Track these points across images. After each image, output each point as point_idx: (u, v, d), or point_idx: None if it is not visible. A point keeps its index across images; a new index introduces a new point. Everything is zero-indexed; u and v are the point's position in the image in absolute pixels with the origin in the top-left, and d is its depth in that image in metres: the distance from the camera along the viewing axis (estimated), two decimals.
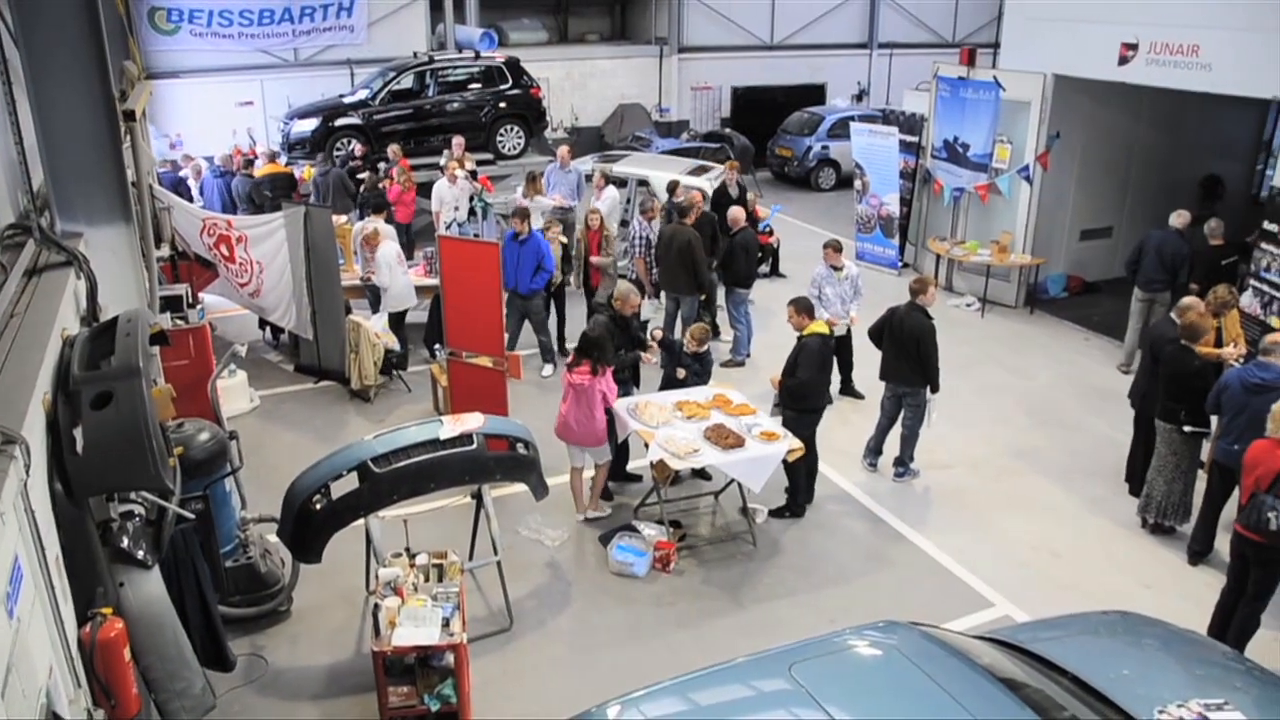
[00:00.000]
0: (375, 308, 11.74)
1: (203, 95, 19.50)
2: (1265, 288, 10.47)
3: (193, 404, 7.61)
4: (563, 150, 15.50)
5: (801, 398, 8.64)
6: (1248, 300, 10.59)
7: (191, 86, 19.56)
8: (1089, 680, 5.07)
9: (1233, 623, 7.04)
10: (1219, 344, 9.21)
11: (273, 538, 7.36)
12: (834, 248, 10.95)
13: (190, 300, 9.61)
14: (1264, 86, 11.16)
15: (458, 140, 15.97)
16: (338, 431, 10.25)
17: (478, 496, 7.49)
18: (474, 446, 6.96)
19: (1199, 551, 8.31)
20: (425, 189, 15.19)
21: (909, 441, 9.50)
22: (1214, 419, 8.40)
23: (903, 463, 9.60)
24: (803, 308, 8.84)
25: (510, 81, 18.07)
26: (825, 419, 8.95)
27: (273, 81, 20.14)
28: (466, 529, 7.81)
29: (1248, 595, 6.97)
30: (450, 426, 7.00)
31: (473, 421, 7.09)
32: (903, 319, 9.13)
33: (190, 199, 14.28)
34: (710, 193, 14.10)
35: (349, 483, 6.71)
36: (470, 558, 7.70)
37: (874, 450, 9.79)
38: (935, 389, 9.17)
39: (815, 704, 4.58)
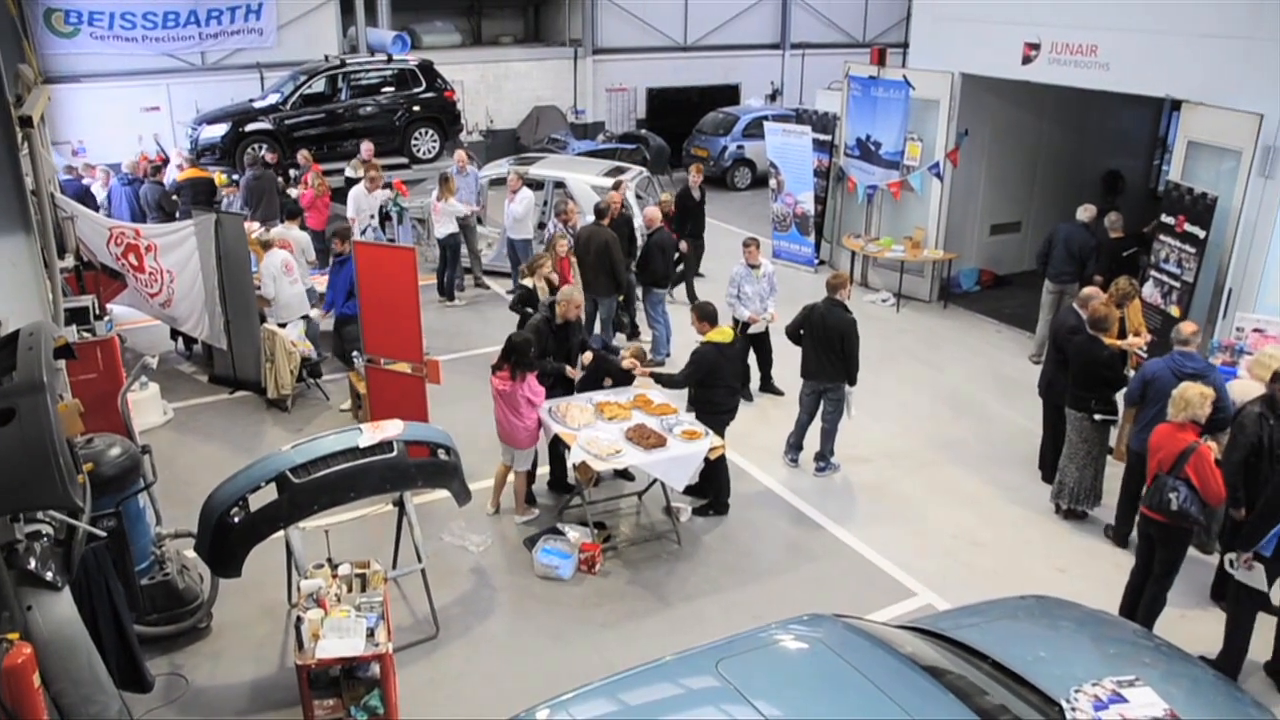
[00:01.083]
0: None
1: (106, 101, 19.00)
2: (1164, 278, 10.82)
3: (103, 419, 7.40)
4: (460, 154, 15.44)
5: (704, 407, 8.68)
6: (1149, 290, 10.93)
7: (94, 91, 19.03)
8: (1008, 664, 5.20)
9: (1141, 601, 7.28)
10: (1122, 335, 9.50)
11: (190, 553, 7.20)
12: (753, 246, 11.05)
13: (97, 312, 9.35)
14: (1157, 85, 11.58)
15: (366, 146, 15.78)
16: (255, 442, 10.06)
17: (400, 504, 7.40)
18: (394, 453, 6.88)
19: (1126, 533, 8.57)
20: (339, 194, 14.97)
21: (829, 436, 9.63)
22: (1121, 407, 8.70)
23: (824, 457, 9.72)
24: (704, 314, 8.84)
25: (424, 84, 17.92)
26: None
27: (179, 86, 19.71)
28: (389, 537, 7.71)
29: (1154, 574, 7.21)
30: (370, 434, 6.91)
31: (392, 428, 7.01)
32: (824, 315, 9.24)
33: (96, 208, 13.87)
34: (629, 196, 14.13)
35: (268, 494, 6.58)
36: (394, 566, 7.61)
37: (795, 446, 9.90)
38: (853, 383, 9.32)
39: (743, 699, 4.62)
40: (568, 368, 9.03)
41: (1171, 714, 4.83)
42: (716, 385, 8.73)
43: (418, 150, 17.96)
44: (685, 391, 8.92)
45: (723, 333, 8.77)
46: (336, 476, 6.67)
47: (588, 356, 9.23)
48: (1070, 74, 12.43)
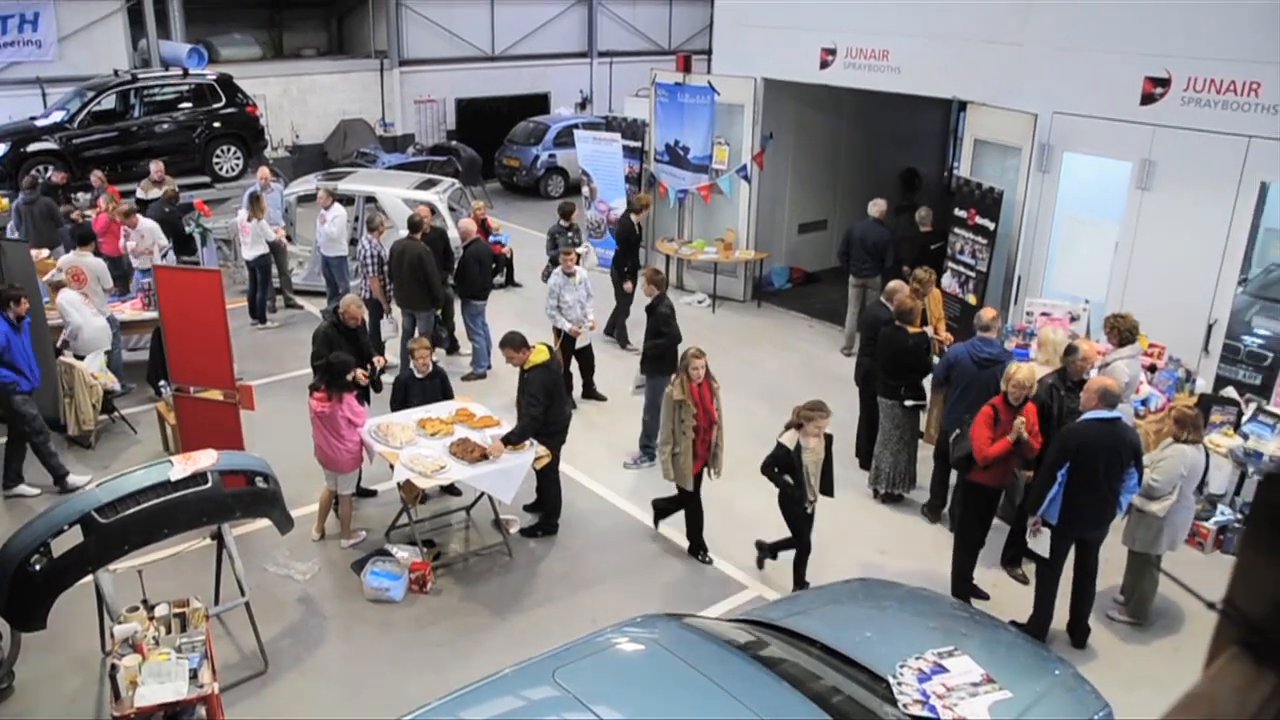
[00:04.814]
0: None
1: None
2: (961, 268, 11.44)
3: None
4: (263, 170, 14.97)
5: (542, 430, 8.45)
6: (948, 281, 11.54)
7: None
8: (837, 647, 5.41)
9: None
10: (924, 323, 10.00)
11: None
12: (570, 254, 11.10)
13: None
14: (944, 87, 12.25)
15: (156, 165, 15.05)
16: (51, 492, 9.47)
17: (218, 537, 7.11)
18: (209, 485, 6.60)
19: (939, 507, 9.04)
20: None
21: (651, 429, 9.88)
22: (929, 393, 9.18)
23: (645, 448, 10.00)
24: (517, 344, 8.42)
25: (224, 100, 17.25)
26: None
27: None
28: (209, 572, 7.39)
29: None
30: (181, 466, 6.60)
31: (206, 459, 6.72)
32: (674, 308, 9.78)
33: None
34: (441, 207, 13.97)
35: (72, 537, 6.20)
36: (216, 602, 7.30)
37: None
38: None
39: (582, 706, 4.64)
40: (359, 371, 8.70)
41: (987, 677, 5.13)
42: (553, 405, 8.62)
43: (220, 168, 17.26)
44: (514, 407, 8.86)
45: (540, 352, 8.49)
46: (148, 513, 6.34)
47: (380, 360, 9.24)
48: (865, 77, 13.00)
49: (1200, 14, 9.36)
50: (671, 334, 9.70)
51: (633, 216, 13.20)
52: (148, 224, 12.72)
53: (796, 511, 7.72)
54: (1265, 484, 1.18)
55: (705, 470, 8.36)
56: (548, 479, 8.68)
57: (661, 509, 8.85)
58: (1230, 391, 9.47)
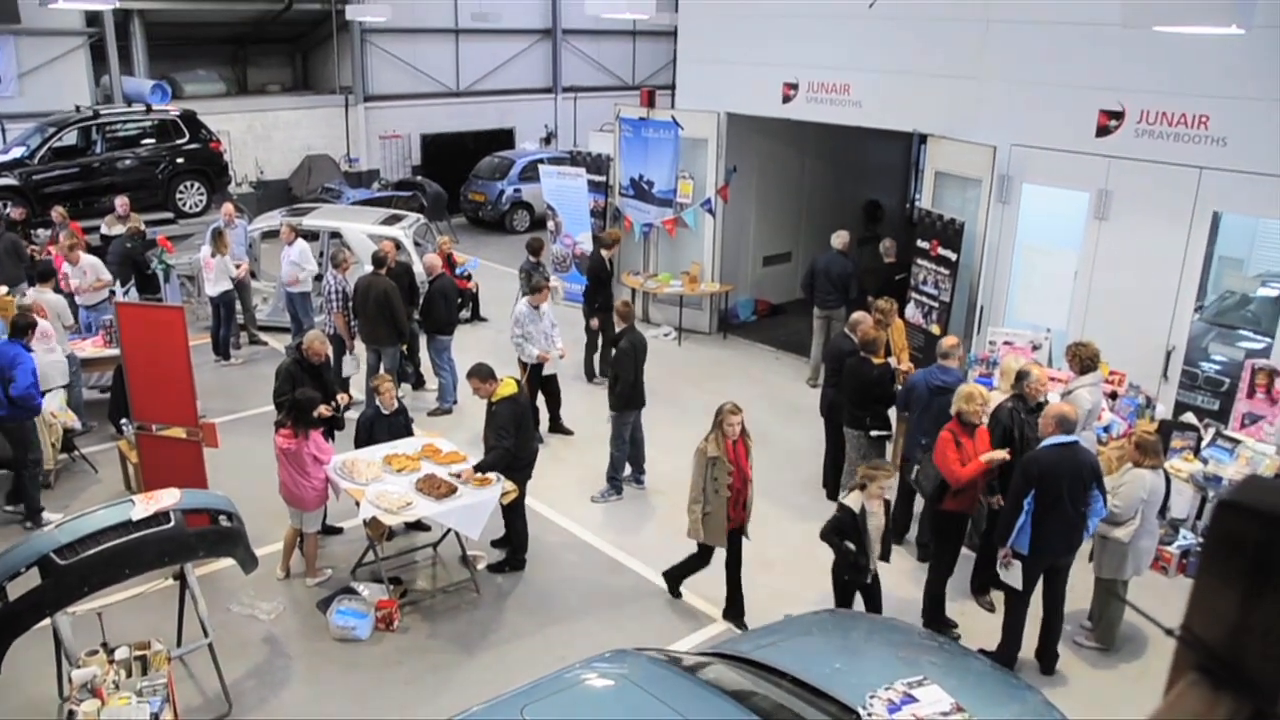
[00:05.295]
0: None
1: None
2: (924, 299, 11.55)
3: None
4: (227, 207, 14.88)
5: (510, 464, 8.39)
6: (911, 311, 11.64)
7: None
8: (807, 679, 5.39)
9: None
10: (888, 353, 10.07)
11: None
12: (544, 288, 11.16)
13: None
14: (905, 120, 12.42)
15: (120, 200, 14.95)
16: (14, 525, 9.30)
17: (181, 577, 7.01)
18: (171, 524, 6.50)
19: (902, 532, 9.08)
20: (99, 253, 14.08)
21: (617, 461, 9.98)
22: (894, 423, 9.24)
23: (613, 481, 10.03)
24: (485, 375, 8.41)
25: (187, 135, 17.23)
26: (539, 459, 9.02)
27: None
28: (171, 613, 7.27)
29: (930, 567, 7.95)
30: (143, 505, 6.51)
31: (168, 498, 6.63)
32: (644, 341, 9.79)
33: None
34: (406, 242, 13.96)
35: (30, 579, 6.09)
36: (178, 644, 7.18)
37: (637, 471, 10.25)
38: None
39: None
40: (322, 407, 8.56)
41: (957, 706, 5.13)
42: (520, 437, 8.57)
43: (184, 204, 17.21)
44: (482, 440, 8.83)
45: (509, 385, 8.50)
46: (109, 554, 6.23)
47: (344, 397, 9.16)
48: (827, 111, 13.16)
49: (1150, 48, 9.55)
50: (623, 377, 9.66)
51: (603, 252, 13.18)
52: (90, 260, 12.58)
53: (857, 580, 7.19)
54: (1219, 511, 1.20)
55: (741, 532, 7.86)
56: (515, 513, 8.63)
57: (675, 576, 8.35)
58: (1189, 417, 9.60)
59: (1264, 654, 1.15)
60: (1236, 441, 9.03)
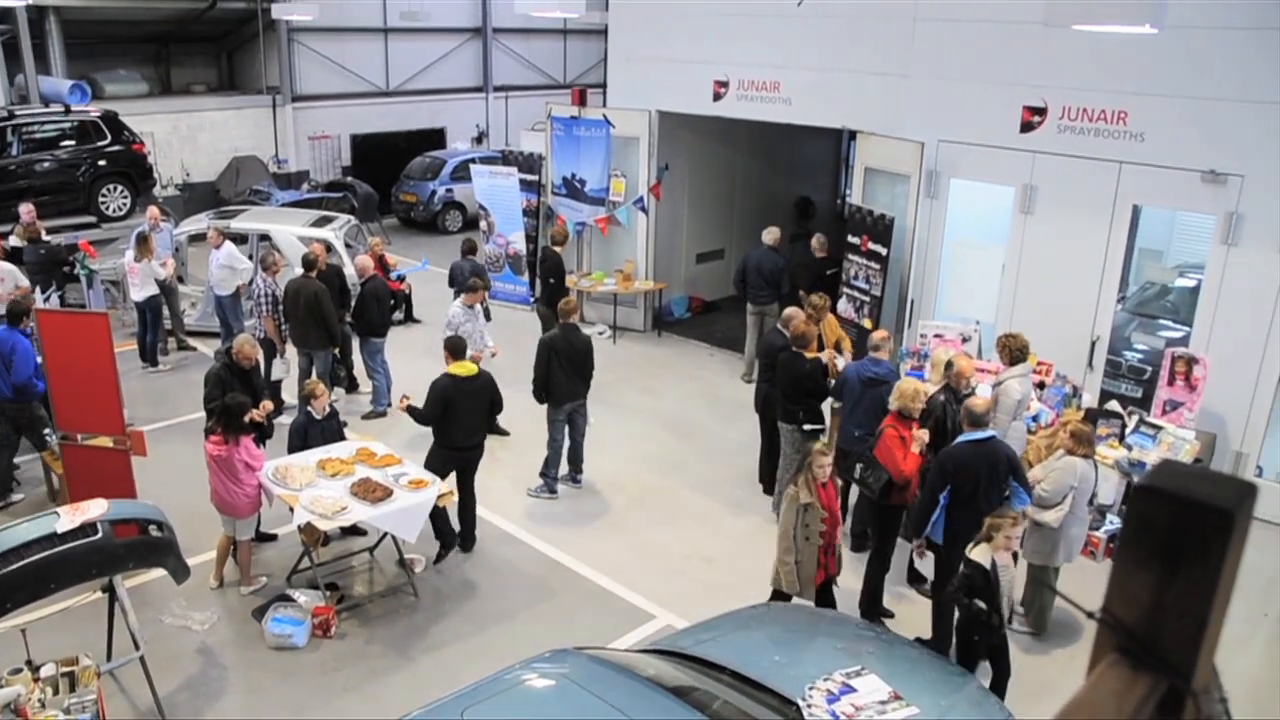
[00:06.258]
0: None
1: None
2: (856, 293, 11.69)
3: None
4: (152, 210, 14.55)
5: (438, 436, 8.74)
6: (844, 306, 11.78)
7: None
8: (747, 673, 5.43)
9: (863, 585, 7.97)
10: (821, 347, 10.18)
11: None
12: (481, 289, 11.15)
13: None
14: (834, 117, 12.59)
15: (26, 207, 14.47)
16: None
17: (110, 589, 6.85)
18: (99, 536, 6.34)
19: None
20: (14, 257, 13.69)
21: (580, 448, 10.09)
22: (828, 417, 9.34)
23: (580, 469, 10.17)
24: (450, 348, 8.99)
25: (109, 137, 16.80)
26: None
27: None
28: (100, 627, 7.10)
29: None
30: (69, 517, 6.35)
31: (95, 509, 6.48)
32: (569, 340, 9.66)
33: None
34: (337, 244, 13.79)
35: None
36: (108, 658, 7.01)
37: (575, 469, 10.23)
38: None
39: None
40: (254, 411, 8.45)
41: (895, 695, 5.21)
42: (453, 422, 8.65)
43: (107, 208, 16.79)
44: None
45: (463, 366, 8.75)
46: (32, 569, 6.05)
47: (268, 405, 9.02)
48: (758, 109, 13.25)
49: (1071, 45, 9.77)
50: (536, 371, 9.65)
51: (558, 250, 13.33)
52: (6, 267, 12.22)
53: (990, 640, 6.56)
54: (1135, 495, 1.24)
55: (832, 584, 7.39)
56: (464, 499, 8.85)
57: None
58: (1114, 405, 9.84)
59: (1178, 633, 1.19)
60: (1159, 428, 9.28)
